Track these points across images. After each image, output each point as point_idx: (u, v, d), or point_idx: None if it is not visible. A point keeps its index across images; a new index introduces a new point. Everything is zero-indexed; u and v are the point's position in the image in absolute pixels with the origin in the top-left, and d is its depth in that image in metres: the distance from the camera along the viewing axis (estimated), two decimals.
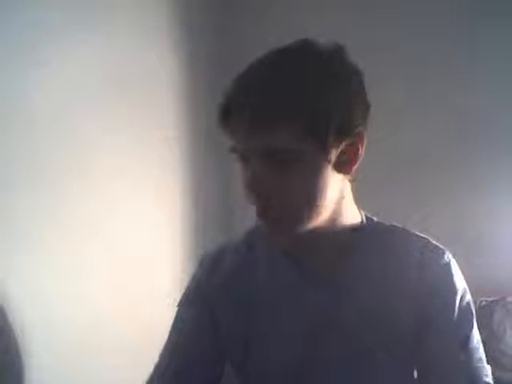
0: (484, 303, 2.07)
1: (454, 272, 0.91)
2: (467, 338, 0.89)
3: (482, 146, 2.25)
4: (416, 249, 0.91)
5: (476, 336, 0.90)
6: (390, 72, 2.23)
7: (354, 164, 0.85)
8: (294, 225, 0.83)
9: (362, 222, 0.93)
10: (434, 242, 0.94)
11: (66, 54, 1.19)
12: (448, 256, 0.92)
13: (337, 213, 0.87)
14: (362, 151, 0.84)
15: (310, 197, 0.82)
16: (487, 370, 0.89)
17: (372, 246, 0.91)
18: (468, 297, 0.91)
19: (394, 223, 0.96)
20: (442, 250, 0.93)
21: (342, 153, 0.83)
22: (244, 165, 0.83)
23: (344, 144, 0.82)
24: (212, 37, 2.26)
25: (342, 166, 0.83)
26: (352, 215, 0.92)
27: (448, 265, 0.91)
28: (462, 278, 0.92)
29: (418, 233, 0.95)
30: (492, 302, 2.06)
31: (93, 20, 1.32)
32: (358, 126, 0.83)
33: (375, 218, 0.96)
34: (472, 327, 0.90)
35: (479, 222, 2.19)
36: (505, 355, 1.87)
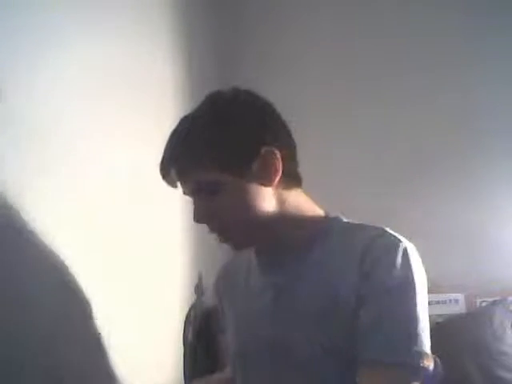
0: (484, 303, 2.07)
1: (399, 258, 0.93)
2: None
3: (485, 146, 2.26)
4: (368, 237, 0.97)
5: (417, 319, 0.91)
6: (398, 72, 2.24)
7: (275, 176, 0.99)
8: (243, 237, 1.01)
9: (323, 220, 1.04)
10: (391, 231, 0.98)
11: (65, 54, 1.19)
12: (399, 243, 0.95)
13: (285, 217, 1.00)
14: (278, 165, 0.98)
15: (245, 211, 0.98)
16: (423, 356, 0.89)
17: (330, 238, 1.01)
18: (411, 285, 0.92)
19: (360, 221, 1.03)
20: (394, 237, 0.96)
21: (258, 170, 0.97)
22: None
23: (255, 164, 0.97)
24: (212, 37, 2.26)
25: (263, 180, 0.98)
26: (311, 215, 1.04)
27: (393, 250, 0.93)
28: (414, 267, 0.93)
29: (373, 225, 1.00)
30: (492, 301, 2.06)
31: (92, 20, 1.32)
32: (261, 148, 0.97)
33: (342, 217, 1.05)
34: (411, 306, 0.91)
35: (480, 223, 2.20)
36: (505, 355, 1.86)
